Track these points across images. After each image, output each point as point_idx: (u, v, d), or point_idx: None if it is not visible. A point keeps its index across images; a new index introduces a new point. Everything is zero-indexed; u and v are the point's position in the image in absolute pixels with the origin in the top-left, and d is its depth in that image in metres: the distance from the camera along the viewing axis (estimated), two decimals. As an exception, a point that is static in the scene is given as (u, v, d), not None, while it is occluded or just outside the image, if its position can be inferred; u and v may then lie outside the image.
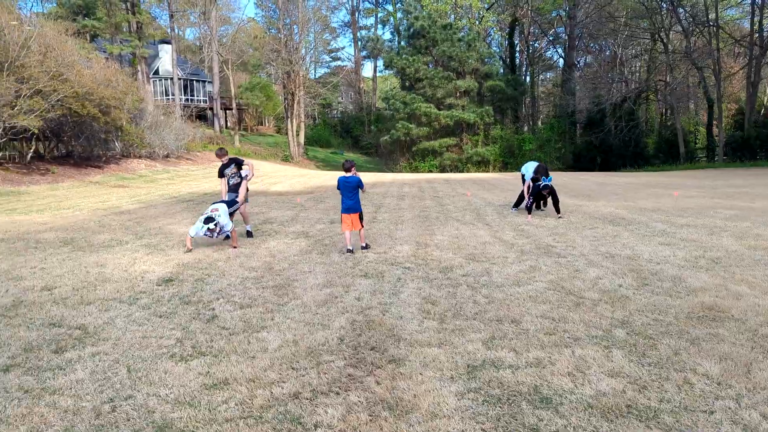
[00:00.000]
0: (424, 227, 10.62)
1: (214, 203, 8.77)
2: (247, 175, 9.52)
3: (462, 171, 43.98)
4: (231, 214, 8.62)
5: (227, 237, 8.67)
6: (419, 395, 3.51)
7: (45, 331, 4.80)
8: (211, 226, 8.03)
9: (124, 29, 48.35)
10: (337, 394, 3.56)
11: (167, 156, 34.10)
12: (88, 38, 46.69)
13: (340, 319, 5.03)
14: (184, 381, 3.77)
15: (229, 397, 3.54)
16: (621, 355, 4.09)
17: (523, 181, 12.62)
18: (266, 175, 30.61)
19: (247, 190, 10.10)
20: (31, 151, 24.16)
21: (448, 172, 43.43)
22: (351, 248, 8.09)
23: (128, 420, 3.26)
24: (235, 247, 8.57)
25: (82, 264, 7.49)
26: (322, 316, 5.13)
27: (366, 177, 10.14)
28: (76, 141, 26.90)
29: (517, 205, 12.87)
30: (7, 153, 24.07)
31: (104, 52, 41.32)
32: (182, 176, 28.02)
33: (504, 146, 47.26)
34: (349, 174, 8.22)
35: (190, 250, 8.25)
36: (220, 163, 9.79)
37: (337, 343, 4.45)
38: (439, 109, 46.24)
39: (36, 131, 21.11)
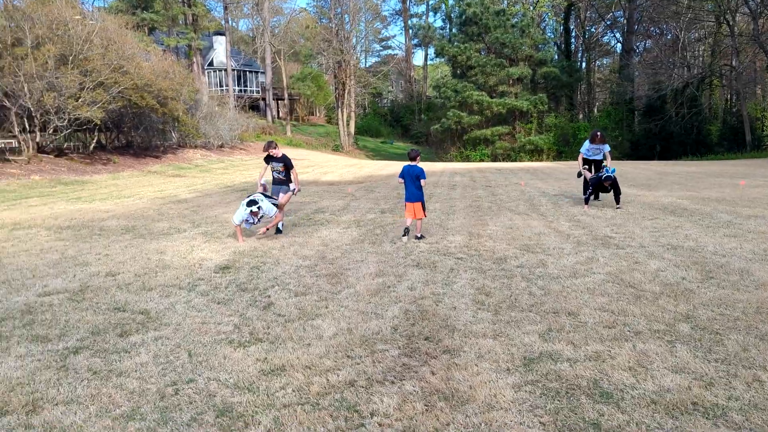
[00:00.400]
0: (477, 217, 10.51)
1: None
2: (294, 189, 9.59)
3: (514, 160, 43.24)
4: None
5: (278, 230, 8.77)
6: (475, 386, 3.48)
7: (110, 315, 4.99)
8: (254, 209, 7.96)
9: (180, 22, 49.54)
10: (392, 383, 3.57)
11: (221, 146, 34.92)
12: (147, 31, 48.08)
13: (393, 308, 5.03)
14: (243, 366, 3.85)
15: (286, 383, 3.59)
16: (685, 350, 3.94)
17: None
18: (317, 165, 30.93)
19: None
20: (94, 141, 25.15)
21: (500, 161, 42.80)
22: (407, 229, 8.19)
23: (191, 403, 3.35)
24: (265, 231, 8.67)
25: (143, 251, 7.75)
26: (376, 305, 5.15)
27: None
28: (135, 132, 27.88)
29: (585, 191, 12.17)
30: (71, 143, 25.14)
31: (161, 44, 42.47)
32: (236, 166, 28.62)
33: (558, 134, 46.11)
34: (413, 163, 8.25)
35: (244, 241, 8.38)
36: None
37: (390, 332, 4.46)
38: (492, 97, 45.51)
39: (98, 122, 21.96)
